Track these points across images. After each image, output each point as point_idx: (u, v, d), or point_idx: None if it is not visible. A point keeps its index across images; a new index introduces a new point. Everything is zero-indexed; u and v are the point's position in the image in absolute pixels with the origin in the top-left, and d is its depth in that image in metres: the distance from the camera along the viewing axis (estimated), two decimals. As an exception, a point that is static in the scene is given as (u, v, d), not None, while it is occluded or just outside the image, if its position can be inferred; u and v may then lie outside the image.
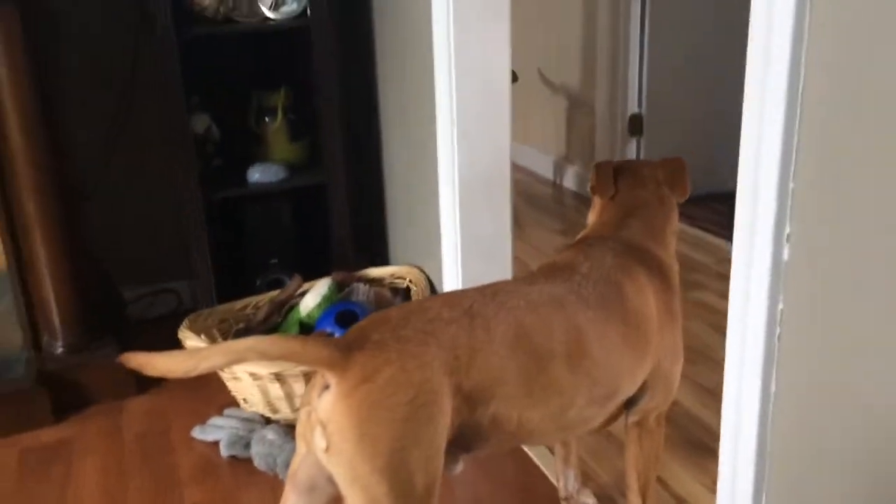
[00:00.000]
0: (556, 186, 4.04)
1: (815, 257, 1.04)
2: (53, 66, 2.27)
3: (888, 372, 0.96)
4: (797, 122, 1.01)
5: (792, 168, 1.03)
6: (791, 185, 1.04)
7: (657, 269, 1.40)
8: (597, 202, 1.56)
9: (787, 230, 1.06)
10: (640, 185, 1.51)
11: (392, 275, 2.45)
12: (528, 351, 1.21)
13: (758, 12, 1.02)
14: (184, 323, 2.09)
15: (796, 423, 1.12)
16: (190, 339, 2.01)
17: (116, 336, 2.29)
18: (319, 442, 1.10)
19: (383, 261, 2.72)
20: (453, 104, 1.98)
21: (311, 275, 2.36)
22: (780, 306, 1.09)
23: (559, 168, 4.04)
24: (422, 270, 2.39)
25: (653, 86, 3.51)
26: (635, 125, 3.58)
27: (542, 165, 4.15)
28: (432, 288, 2.33)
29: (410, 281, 2.39)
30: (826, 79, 0.97)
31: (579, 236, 1.52)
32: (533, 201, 3.84)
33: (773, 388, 1.13)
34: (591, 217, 1.57)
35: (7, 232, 2.10)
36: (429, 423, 1.11)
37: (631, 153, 3.62)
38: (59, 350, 2.19)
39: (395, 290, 2.42)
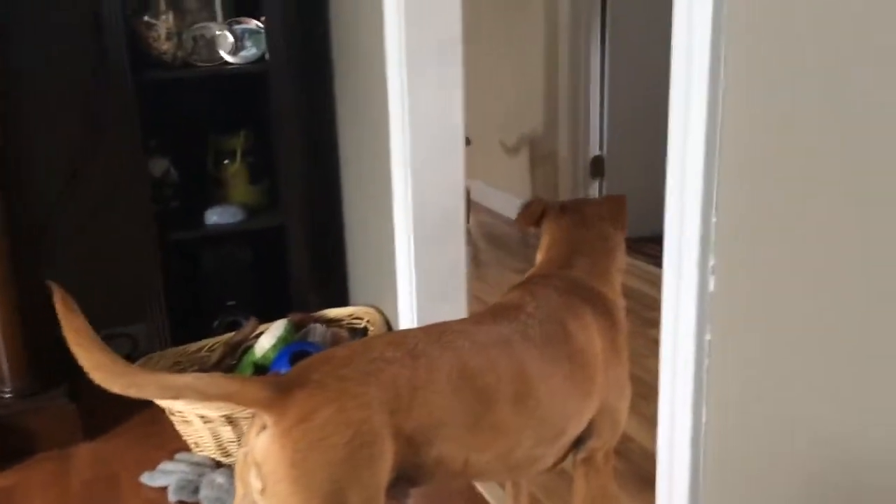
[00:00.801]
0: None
1: (740, 288, 1.06)
2: (15, 110, 2.28)
3: (815, 398, 0.97)
4: (717, 157, 1.04)
5: (714, 201, 1.06)
6: (713, 218, 1.06)
7: (602, 307, 1.41)
8: (544, 241, 1.58)
9: (712, 262, 1.08)
10: (584, 223, 1.53)
11: (350, 315, 2.44)
12: (473, 391, 1.20)
13: (678, 59, 1.06)
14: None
15: (728, 451, 1.12)
16: (140, 382, 1.98)
17: (68, 381, 2.25)
18: (255, 483, 1.09)
19: (343, 301, 2.71)
20: (406, 145, 2.00)
21: (270, 316, 2.35)
22: (708, 337, 1.11)
23: (524, 210, 4.07)
24: (379, 311, 2.39)
25: (613, 129, 3.57)
26: (597, 167, 3.64)
27: (507, 207, 4.19)
28: (389, 328, 2.33)
29: (368, 321, 2.39)
30: (743, 117, 1.00)
31: (526, 275, 1.53)
32: (497, 242, 3.87)
33: (703, 418, 1.13)
34: (539, 256, 1.58)
35: (-45, 275, 2.08)
36: (367, 464, 1.09)
37: (594, 195, 3.66)
38: (7, 395, 2.15)
39: (354, 331, 2.41)
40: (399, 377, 1.15)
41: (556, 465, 1.39)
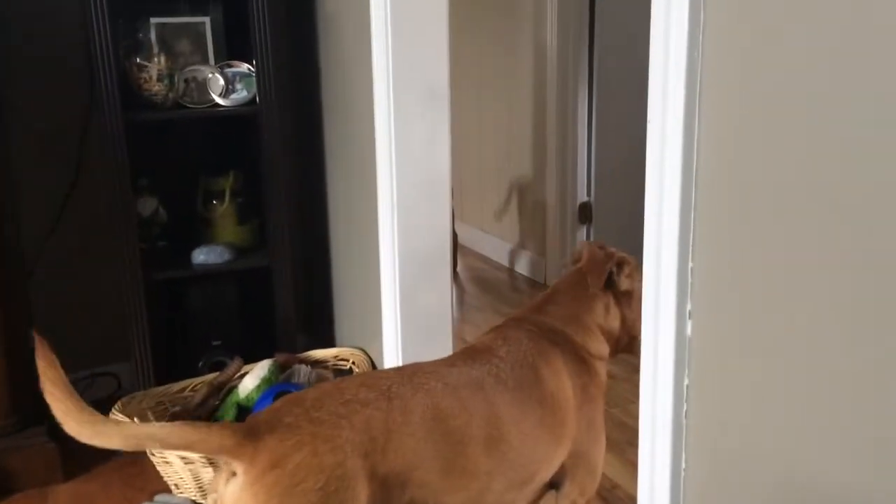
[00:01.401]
0: (510, 272, 4.09)
1: (717, 333, 1.07)
2: (2, 146, 2.30)
3: (794, 444, 0.98)
4: (693, 201, 1.06)
5: (690, 248, 1.07)
6: (690, 264, 1.08)
7: (572, 352, 1.43)
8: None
9: (689, 307, 1.09)
10: (566, 277, 1.58)
11: (336, 356, 2.44)
12: (444, 434, 1.21)
13: (654, 104, 1.09)
14: (116, 406, 2.05)
15: (708, 498, 1.12)
16: (121, 422, 1.96)
17: (48, 420, 2.23)
18: None
19: (330, 342, 2.71)
20: (393, 189, 2.03)
21: (256, 357, 2.34)
22: (686, 382, 1.12)
23: (513, 254, 4.10)
24: (365, 352, 2.39)
25: (600, 175, 3.62)
26: (585, 213, 3.67)
27: (498, 252, 4.22)
28: (374, 370, 2.32)
29: (353, 363, 2.38)
30: (718, 167, 1.03)
31: (503, 321, 1.55)
32: (485, 286, 3.88)
33: (683, 464, 1.13)
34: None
35: (-61, 311, 2.07)
36: None
37: (582, 239, 3.69)
38: (-12, 433, 2.13)
39: (339, 372, 2.40)
40: (373, 419, 1.15)
41: None
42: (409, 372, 1.27)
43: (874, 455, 0.87)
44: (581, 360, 1.41)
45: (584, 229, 3.70)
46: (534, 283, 3.83)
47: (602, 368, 1.48)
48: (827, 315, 0.91)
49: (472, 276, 4.05)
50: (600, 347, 1.49)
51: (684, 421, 1.13)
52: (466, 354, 1.39)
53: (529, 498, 1.34)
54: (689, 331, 1.10)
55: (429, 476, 1.19)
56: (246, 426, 1.12)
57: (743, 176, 0.99)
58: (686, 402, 1.12)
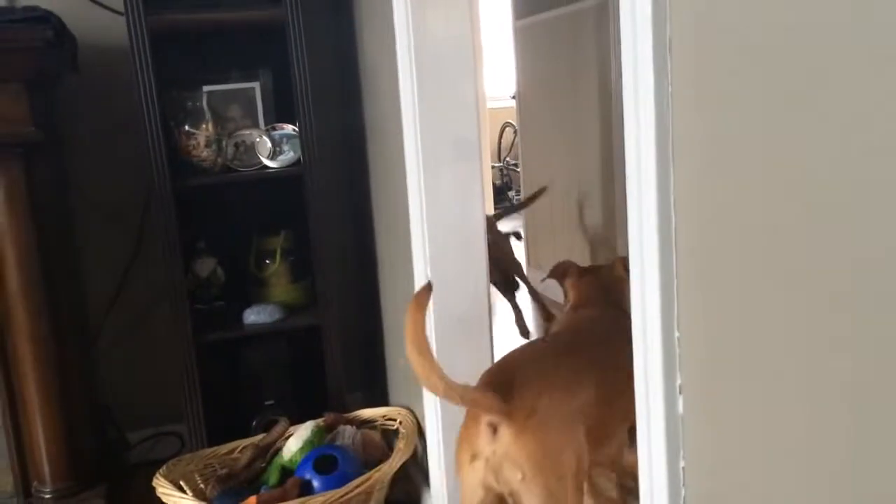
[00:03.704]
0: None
1: (712, 409, 0.95)
2: (69, 214, 2.42)
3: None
4: (674, 267, 0.96)
5: (675, 316, 0.97)
6: (676, 333, 0.97)
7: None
8: (570, 295, 2.05)
9: (679, 381, 0.98)
10: (602, 274, 2.06)
11: (384, 416, 2.39)
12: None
13: (630, 170, 1.00)
14: (161, 470, 2.07)
15: None
16: (162, 488, 1.98)
17: (105, 484, 2.28)
18: (513, 475, 1.33)
19: (384, 400, 2.67)
20: (425, 242, 1.98)
21: (308, 415, 2.33)
22: (682, 464, 1.00)
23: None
24: (412, 411, 2.33)
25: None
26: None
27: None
28: (421, 431, 2.26)
29: (400, 423, 2.33)
30: (696, 230, 0.93)
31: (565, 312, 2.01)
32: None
33: (682, 557, 1.01)
34: (571, 298, 2.04)
35: (2, 376, 2.17)
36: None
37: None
38: (47, 497, 2.20)
39: (386, 432, 2.36)
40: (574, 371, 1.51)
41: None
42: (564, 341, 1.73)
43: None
44: None
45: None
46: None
47: None
48: (823, 388, 0.79)
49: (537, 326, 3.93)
50: None
51: (682, 507, 1.00)
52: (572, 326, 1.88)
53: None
54: (680, 408, 0.99)
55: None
56: (493, 391, 1.37)
57: (720, 232, 0.89)
58: (684, 486, 1.00)
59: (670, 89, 0.91)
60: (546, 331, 3.32)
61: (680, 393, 0.99)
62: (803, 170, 0.75)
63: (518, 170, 5.17)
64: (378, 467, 2.05)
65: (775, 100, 0.78)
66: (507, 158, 7.22)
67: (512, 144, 6.90)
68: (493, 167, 7.13)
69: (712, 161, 0.88)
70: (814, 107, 0.73)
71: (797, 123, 0.75)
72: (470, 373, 2.05)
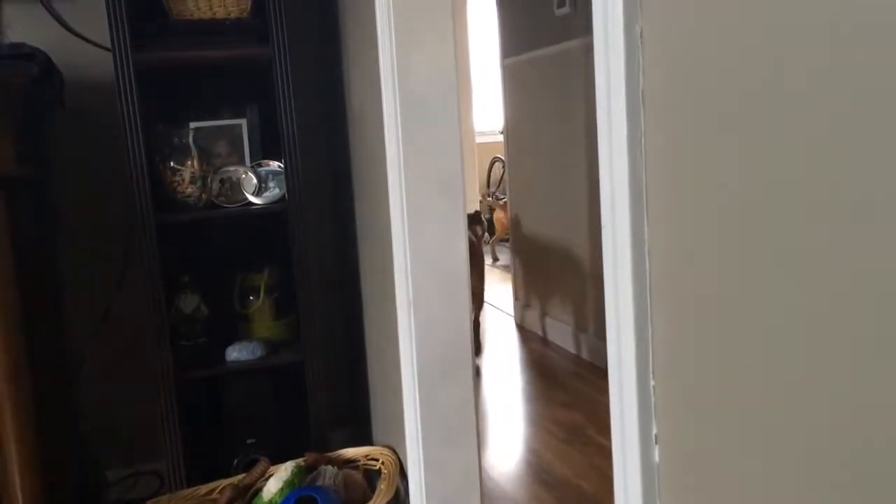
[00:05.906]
0: (575, 358, 3.93)
1: (690, 459, 0.95)
2: (53, 249, 2.40)
3: None
4: (649, 313, 0.96)
5: (650, 364, 0.97)
6: (652, 382, 0.97)
7: None
8: None
9: (654, 430, 0.98)
10: None
11: (366, 455, 2.36)
12: None
13: (605, 208, 1.00)
14: (138, 509, 2.04)
15: None
16: (138, 528, 1.95)
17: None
18: None
19: (368, 439, 2.64)
20: (409, 281, 1.98)
21: (290, 454, 2.30)
22: (658, 516, 0.99)
23: (576, 339, 3.96)
24: (394, 451, 2.31)
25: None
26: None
27: (567, 340, 4.08)
28: (402, 472, 2.23)
29: (382, 463, 2.30)
30: (669, 278, 0.93)
31: None
32: (546, 374, 3.73)
33: None
34: None
35: (-23, 414, 2.13)
36: None
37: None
38: (21, 537, 2.15)
39: (368, 472, 2.33)
40: None
41: None
42: None
43: None
44: None
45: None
46: (594, 369, 3.67)
47: None
48: (801, 432, 0.78)
49: (534, 364, 3.92)
50: None
51: (659, 560, 0.99)
52: None
53: None
54: (656, 457, 0.98)
55: None
56: None
57: (697, 279, 0.89)
58: (660, 539, 0.99)
59: (643, 140, 0.92)
60: None
61: (656, 442, 0.98)
62: (777, 218, 0.76)
63: (504, 203, 5.19)
64: (359, 509, 2.02)
65: (751, 155, 0.78)
66: (497, 193, 7.27)
67: (501, 179, 6.96)
68: (480, 202, 7.21)
69: (685, 210, 0.89)
70: (789, 155, 0.74)
71: (770, 174, 0.76)
72: (452, 415, 2.04)
